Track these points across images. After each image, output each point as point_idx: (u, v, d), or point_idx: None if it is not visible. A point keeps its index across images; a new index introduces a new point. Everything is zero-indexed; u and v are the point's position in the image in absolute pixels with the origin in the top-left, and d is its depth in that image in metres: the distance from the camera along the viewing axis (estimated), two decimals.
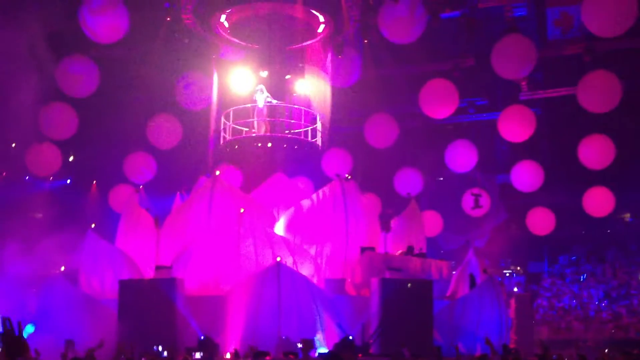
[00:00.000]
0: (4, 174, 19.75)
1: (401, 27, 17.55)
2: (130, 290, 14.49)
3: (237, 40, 20.70)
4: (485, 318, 15.82)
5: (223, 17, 19.89)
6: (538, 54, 17.62)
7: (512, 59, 17.28)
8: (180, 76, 19.96)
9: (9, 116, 17.13)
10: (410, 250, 17.17)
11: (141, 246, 16.73)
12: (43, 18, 16.49)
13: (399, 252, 17.03)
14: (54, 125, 18.51)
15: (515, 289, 24.76)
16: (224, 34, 20.57)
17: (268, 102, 18.54)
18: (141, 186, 19.13)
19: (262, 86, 18.81)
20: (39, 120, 18.34)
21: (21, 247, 15.69)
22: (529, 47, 17.29)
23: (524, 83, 22.67)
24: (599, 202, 20.47)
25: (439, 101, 19.04)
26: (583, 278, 25.82)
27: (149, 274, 15.80)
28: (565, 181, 21.97)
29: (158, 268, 15.22)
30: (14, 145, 20.20)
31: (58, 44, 17.45)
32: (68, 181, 21.82)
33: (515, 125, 19.07)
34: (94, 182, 22.25)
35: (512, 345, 16.23)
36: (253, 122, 18.60)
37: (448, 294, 17.24)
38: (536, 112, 20.73)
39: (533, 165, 20.68)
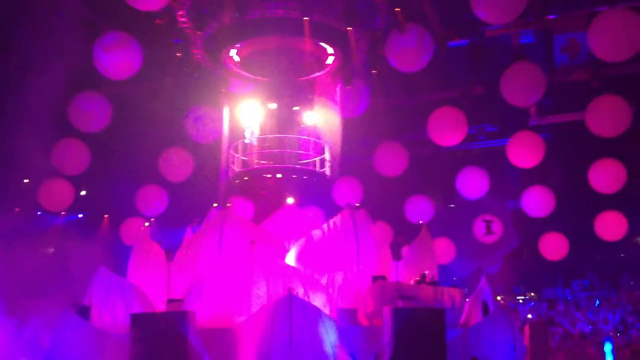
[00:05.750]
0: (17, 209, 19.95)
1: (409, 57, 17.74)
2: (142, 324, 14.46)
3: (246, 74, 21.00)
4: (499, 346, 15.65)
5: (233, 52, 20.21)
6: (546, 81, 17.69)
7: (521, 86, 17.38)
8: (191, 110, 20.21)
9: (21, 151, 17.41)
10: (423, 278, 17.08)
11: (152, 279, 16.77)
12: (58, 55, 16.82)
13: (413, 280, 16.95)
14: (66, 160, 18.75)
15: (530, 316, 24.50)
16: (233, 67, 20.88)
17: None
18: (152, 219, 19.26)
19: (251, 123, 19.16)
20: (51, 155, 18.58)
21: (33, 283, 15.77)
22: (537, 75, 17.39)
23: (533, 109, 22.74)
24: (611, 226, 20.35)
25: (448, 129, 19.11)
26: (597, 303, 25.55)
27: (161, 307, 15.81)
28: (577, 206, 21.87)
29: (170, 301, 15.22)
30: (26, 180, 20.48)
31: (71, 80, 17.76)
32: (80, 215, 22.01)
33: (525, 151, 19.07)
34: (106, 216, 22.43)
35: None
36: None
37: (461, 322, 17.08)
38: (546, 138, 20.74)
39: (544, 191, 20.62)
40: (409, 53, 17.61)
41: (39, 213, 20.73)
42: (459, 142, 19.61)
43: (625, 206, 20.41)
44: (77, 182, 20.14)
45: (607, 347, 21.25)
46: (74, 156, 18.79)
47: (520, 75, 17.40)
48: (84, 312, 15.35)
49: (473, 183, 20.73)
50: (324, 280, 16.40)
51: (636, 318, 24.55)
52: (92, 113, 18.12)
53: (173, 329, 13.93)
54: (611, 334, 23.59)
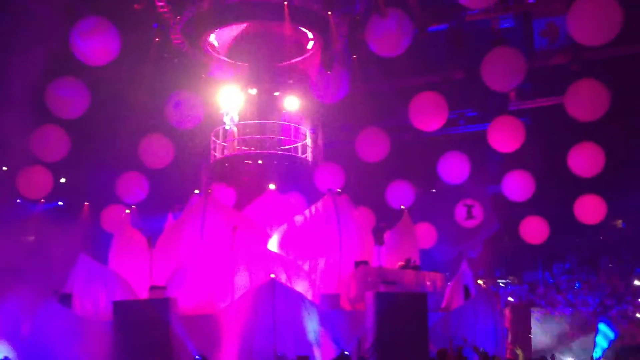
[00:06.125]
0: None
1: (389, 42, 17.66)
2: (125, 311, 14.42)
3: (226, 59, 20.84)
4: (480, 329, 15.82)
5: (212, 37, 20.04)
6: (526, 65, 17.75)
7: (501, 71, 17.38)
8: (171, 96, 20.03)
9: (0, 139, 17.17)
10: (408, 263, 17.17)
11: (134, 267, 16.69)
12: (36, 41, 16.55)
13: (399, 264, 17.03)
14: (45, 147, 18.50)
15: (511, 299, 24.78)
16: (213, 52, 20.71)
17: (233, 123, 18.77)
18: (133, 206, 19.12)
19: (230, 109, 19.05)
20: (30, 142, 18.33)
21: (13, 271, 15.62)
22: (518, 59, 17.41)
23: (512, 93, 22.85)
24: (590, 209, 20.54)
25: (429, 114, 19.10)
26: (577, 286, 25.89)
27: (143, 294, 15.74)
28: (557, 190, 22.05)
29: (152, 288, 15.17)
30: (4, 168, 20.20)
31: (49, 66, 17.49)
32: (60, 203, 21.78)
33: (505, 136, 19.14)
34: (86, 203, 22.21)
35: (508, 356, 16.22)
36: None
37: (443, 305, 17.23)
38: (525, 122, 20.85)
39: (524, 175, 20.76)
40: (389, 38, 17.55)
41: (18, 201, 20.47)
42: (440, 127, 19.65)
43: (604, 190, 20.61)
44: (56, 169, 19.90)
45: (602, 327, 21.55)
46: (54, 143, 18.53)
47: (500, 60, 17.41)
48: (65, 299, 15.25)
49: (454, 168, 20.80)
50: (306, 266, 16.43)
51: (614, 300, 24.91)
52: (70, 99, 17.85)
53: (156, 315, 13.92)
54: (591, 316, 23.95)
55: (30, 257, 17.41)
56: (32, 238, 19.70)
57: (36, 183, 19.47)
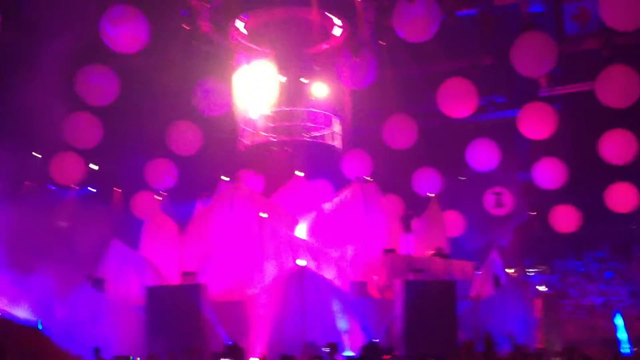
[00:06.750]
0: (29, 183, 20.02)
1: (417, 27, 17.48)
2: (157, 296, 14.63)
3: (253, 46, 20.84)
4: (510, 318, 15.74)
5: (240, 23, 20.04)
6: (557, 50, 17.47)
7: (532, 56, 17.12)
8: (199, 83, 20.10)
9: (33, 126, 17.40)
10: (439, 252, 17.13)
11: (165, 252, 16.89)
12: (67, 28, 16.71)
13: (429, 253, 16.99)
14: (78, 134, 18.75)
15: (542, 288, 24.54)
16: (240, 40, 20.72)
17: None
18: (163, 192, 19.30)
19: (258, 96, 19.10)
20: (62, 129, 18.58)
21: (47, 256, 15.88)
22: (549, 44, 17.14)
23: (543, 79, 22.48)
24: (622, 197, 20.25)
25: (458, 100, 18.94)
26: (609, 275, 25.55)
27: (173, 280, 15.94)
28: (588, 177, 21.71)
29: (184, 274, 15.36)
30: (38, 155, 20.49)
31: (81, 53, 17.66)
32: (91, 189, 22.05)
33: (536, 123, 18.90)
34: (117, 189, 22.47)
35: (538, 345, 16.12)
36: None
37: (472, 294, 17.17)
38: (556, 109, 20.56)
39: (555, 163, 20.50)
40: (417, 23, 17.35)
41: (50, 187, 20.78)
42: (469, 114, 19.46)
43: (636, 177, 20.27)
44: (88, 156, 20.15)
45: (618, 319, 21.31)
46: (86, 130, 18.78)
47: (530, 45, 17.15)
48: (98, 284, 15.50)
49: (483, 155, 20.63)
50: (334, 253, 16.48)
51: None
52: (99, 86, 18.04)
53: (187, 301, 14.09)
54: (622, 306, 23.63)
55: (63, 242, 17.68)
56: (64, 224, 19.99)
57: (68, 169, 19.77)
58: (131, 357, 13.43)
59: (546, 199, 22.16)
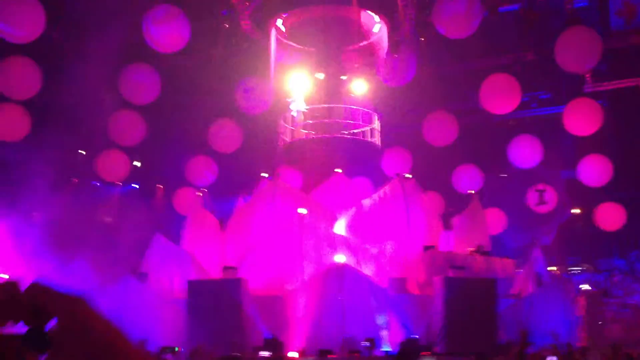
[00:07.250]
0: (75, 180, 20.51)
1: (458, 23, 17.35)
2: (199, 290, 14.86)
3: (293, 44, 20.95)
4: (552, 316, 15.50)
5: (279, 21, 20.18)
6: (602, 46, 17.11)
7: (576, 52, 16.83)
8: (240, 81, 20.31)
9: (80, 124, 17.83)
10: (479, 249, 16.97)
11: (206, 247, 17.14)
12: (113, 28, 17.06)
13: (470, 250, 16.85)
14: (123, 132, 19.16)
15: (585, 287, 24.11)
16: (280, 38, 20.85)
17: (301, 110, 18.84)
18: (205, 189, 19.55)
19: (298, 93, 19.17)
20: (108, 127, 19.01)
21: (91, 249, 16.23)
22: (594, 39, 16.81)
23: (588, 75, 22.05)
24: None
25: (501, 96, 18.70)
26: None
27: (215, 274, 16.15)
28: (634, 174, 21.22)
29: (225, 269, 15.56)
30: (83, 152, 21.00)
31: (125, 53, 18.02)
32: (135, 186, 22.48)
33: (582, 119, 18.55)
34: (160, 186, 22.86)
35: (582, 344, 15.83)
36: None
37: (514, 292, 16.96)
38: (601, 105, 20.15)
39: (601, 159, 20.06)
40: (457, 19, 17.22)
41: (96, 183, 21.26)
42: (512, 110, 19.22)
43: None
44: (131, 153, 20.57)
45: None
46: (131, 127, 19.17)
47: (575, 41, 16.84)
48: (142, 277, 15.81)
49: (525, 152, 20.33)
50: (374, 250, 16.47)
51: None
52: (141, 85, 18.38)
53: (228, 295, 14.26)
54: None
55: (107, 237, 18.06)
56: (108, 219, 20.43)
57: (114, 166, 20.22)
58: (176, 348, 13.66)
59: (590, 197, 21.71)
